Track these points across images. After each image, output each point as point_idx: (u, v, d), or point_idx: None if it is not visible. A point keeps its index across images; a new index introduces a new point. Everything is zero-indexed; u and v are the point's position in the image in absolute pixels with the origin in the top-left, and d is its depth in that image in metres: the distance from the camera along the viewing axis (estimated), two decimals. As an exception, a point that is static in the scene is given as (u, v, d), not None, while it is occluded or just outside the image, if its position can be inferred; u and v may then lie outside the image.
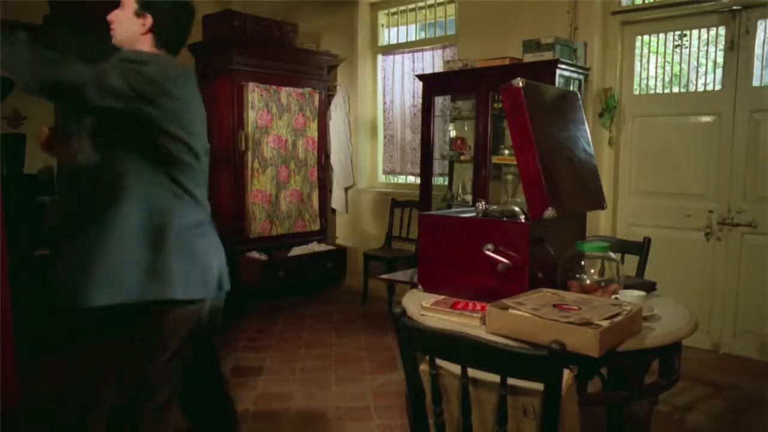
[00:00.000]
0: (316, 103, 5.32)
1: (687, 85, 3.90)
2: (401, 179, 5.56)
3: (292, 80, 5.13)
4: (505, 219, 2.04)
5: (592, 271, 1.88)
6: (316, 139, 5.35)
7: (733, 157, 3.67)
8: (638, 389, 1.69)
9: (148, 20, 1.92)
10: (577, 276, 1.86)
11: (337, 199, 5.62)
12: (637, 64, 4.04)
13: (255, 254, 4.87)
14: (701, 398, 3.15)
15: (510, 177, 4.18)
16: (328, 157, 5.54)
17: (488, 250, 1.90)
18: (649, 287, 2.09)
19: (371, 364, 3.63)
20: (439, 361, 1.29)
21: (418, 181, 4.58)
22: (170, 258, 1.74)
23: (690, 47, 3.84)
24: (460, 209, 2.51)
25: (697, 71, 3.84)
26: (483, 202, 2.18)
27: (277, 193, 5.07)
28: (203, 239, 1.92)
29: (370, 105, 5.69)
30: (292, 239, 5.22)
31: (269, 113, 4.95)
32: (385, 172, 5.68)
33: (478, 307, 1.80)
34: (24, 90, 1.68)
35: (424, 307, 1.85)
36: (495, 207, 2.17)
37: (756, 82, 3.58)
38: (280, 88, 5.01)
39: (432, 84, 4.34)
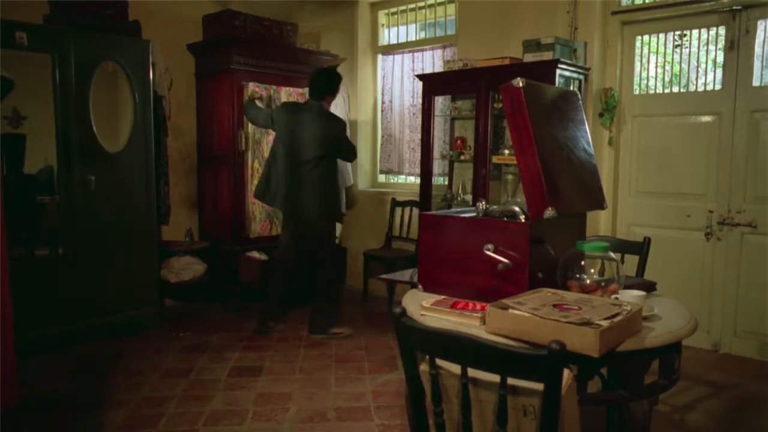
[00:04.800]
0: (316, 103, 5.31)
1: (687, 85, 3.90)
2: (401, 179, 5.56)
3: (292, 80, 5.13)
4: (505, 219, 2.04)
5: (592, 271, 1.88)
6: (316, 139, 5.34)
7: (733, 157, 3.67)
8: (638, 389, 1.69)
9: None
10: (577, 276, 1.86)
11: (337, 199, 5.61)
12: (637, 64, 4.04)
13: (255, 254, 4.87)
14: (701, 398, 3.15)
15: (510, 177, 4.18)
16: (328, 156, 5.53)
17: (488, 250, 1.90)
18: (649, 287, 2.09)
19: (371, 364, 3.63)
20: (439, 361, 1.29)
21: (417, 180, 4.58)
22: None
23: (690, 47, 3.84)
24: (460, 209, 2.51)
25: (697, 71, 3.84)
26: (483, 202, 2.18)
27: (277, 193, 5.06)
28: None
29: (370, 105, 5.69)
30: (292, 239, 5.22)
31: (269, 113, 4.95)
32: (382, 172, 5.68)
33: (478, 307, 1.80)
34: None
35: (424, 307, 1.85)
36: (495, 207, 2.17)
37: (756, 82, 3.57)
38: (280, 88, 5.00)
39: (432, 84, 4.34)
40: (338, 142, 3.97)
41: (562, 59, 3.70)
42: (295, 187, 3.90)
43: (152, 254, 4.26)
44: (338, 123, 4.01)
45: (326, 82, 3.98)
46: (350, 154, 4.18)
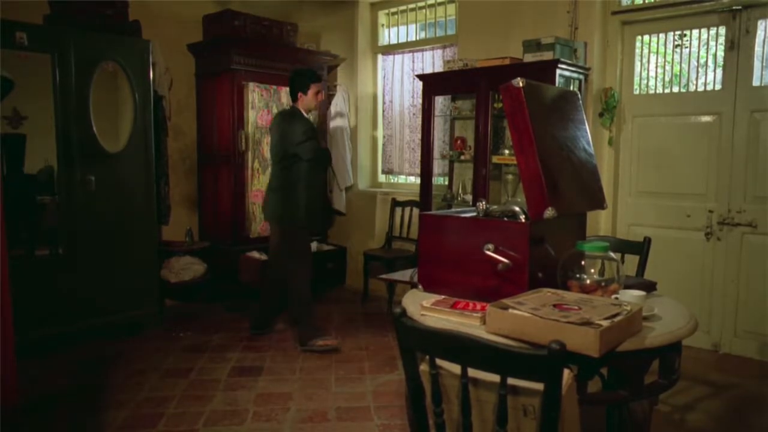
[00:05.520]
0: (316, 103, 5.32)
1: (687, 85, 3.90)
2: (401, 179, 5.57)
3: (292, 80, 5.12)
4: (505, 219, 2.04)
5: (592, 270, 1.88)
6: (316, 139, 5.35)
7: (733, 157, 3.67)
8: (638, 389, 1.69)
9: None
10: (577, 276, 1.86)
11: (337, 199, 5.62)
12: (637, 64, 4.04)
13: (255, 254, 4.87)
14: (701, 398, 3.15)
15: (510, 177, 4.18)
16: (328, 156, 5.54)
17: (488, 250, 1.90)
18: (649, 287, 2.09)
19: (371, 364, 3.63)
20: (439, 361, 1.29)
21: (418, 181, 4.58)
22: None
23: (690, 47, 3.84)
24: (460, 209, 2.51)
25: (697, 71, 3.84)
26: (483, 202, 2.18)
27: (277, 193, 5.07)
28: None
29: (370, 105, 5.69)
30: (292, 239, 5.22)
31: (269, 113, 4.95)
32: (384, 172, 5.69)
33: (478, 307, 1.80)
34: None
35: (424, 307, 1.85)
36: (495, 207, 2.17)
37: (756, 82, 3.57)
38: (281, 88, 5.01)
39: (432, 84, 4.34)
40: (296, 145, 3.78)
41: (562, 59, 3.70)
42: (267, 189, 4.01)
43: (152, 254, 4.26)
44: (298, 125, 3.83)
45: (294, 80, 3.97)
46: (312, 156, 3.82)
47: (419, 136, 4.65)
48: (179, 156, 5.10)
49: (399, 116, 5.44)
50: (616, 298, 1.76)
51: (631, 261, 2.74)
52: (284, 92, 5.04)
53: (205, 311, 4.75)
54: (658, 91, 4.00)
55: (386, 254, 4.93)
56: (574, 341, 1.41)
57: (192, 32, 5.06)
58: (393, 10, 5.50)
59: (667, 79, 3.97)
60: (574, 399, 1.31)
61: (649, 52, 4.01)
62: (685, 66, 3.89)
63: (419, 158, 4.49)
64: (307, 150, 3.79)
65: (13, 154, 3.68)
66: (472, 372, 1.24)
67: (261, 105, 4.89)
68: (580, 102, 2.30)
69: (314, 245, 5.32)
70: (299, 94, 3.93)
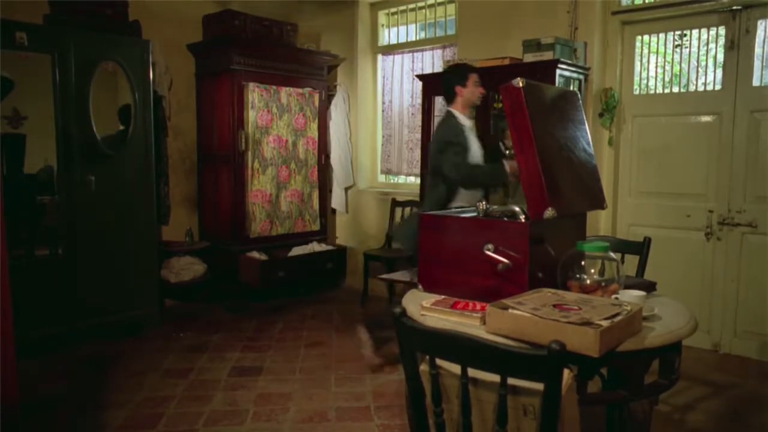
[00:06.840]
0: (316, 103, 5.33)
1: (687, 85, 3.90)
2: (401, 179, 5.56)
3: (292, 80, 5.13)
4: (505, 219, 2.04)
5: (592, 271, 1.88)
6: (316, 139, 5.35)
7: (733, 157, 3.67)
8: (638, 389, 1.69)
9: None
10: (577, 276, 1.86)
11: (337, 199, 5.62)
12: (637, 64, 4.04)
13: (255, 254, 4.87)
14: (701, 398, 3.15)
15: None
16: (328, 157, 5.54)
17: (488, 250, 1.90)
18: (649, 287, 2.09)
19: (371, 364, 3.63)
20: (439, 361, 1.29)
21: (417, 180, 4.58)
22: None
23: (690, 47, 3.84)
24: (460, 209, 2.51)
25: (697, 71, 3.84)
26: (483, 202, 2.18)
27: (277, 193, 5.07)
28: None
29: (370, 105, 5.69)
30: (293, 239, 5.22)
31: (269, 113, 4.95)
32: (383, 172, 5.69)
33: (478, 307, 1.80)
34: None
35: (424, 307, 1.85)
36: (495, 207, 2.17)
37: (756, 82, 3.57)
38: (280, 88, 5.01)
39: (432, 84, 4.33)
40: (435, 155, 3.21)
41: (562, 59, 3.70)
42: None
43: (152, 254, 4.26)
44: (440, 129, 3.30)
45: (449, 77, 3.38)
46: (455, 175, 3.12)
47: (419, 135, 4.65)
48: (179, 156, 5.10)
49: (398, 116, 5.44)
50: (616, 298, 1.76)
51: (631, 261, 2.74)
52: (284, 92, 5.05)
53: (205, 311, 4.75)
54: (658, 91, 4.00)
55: (386, 254, 4.93)
56: (574, 341, 1.41)
57: (192, 32, 5.06)
58: (393, 10, 5.50)
59: (667, 79, 3.97)
60: (574, 399, 1.31)
61: (649, 52, 4.01)
62: (685, 66, 3.90)
63: (418, 158, 4.49)
64: (447, 165, 3.11)
65: (13, 154, 3.68)
66: (472, 372, 1.24)
67: (261, 105, 4.89)
68: (580, 102, 2.30)
69: (313, 245, 5.33)
70: (456, 88, 3.26)
